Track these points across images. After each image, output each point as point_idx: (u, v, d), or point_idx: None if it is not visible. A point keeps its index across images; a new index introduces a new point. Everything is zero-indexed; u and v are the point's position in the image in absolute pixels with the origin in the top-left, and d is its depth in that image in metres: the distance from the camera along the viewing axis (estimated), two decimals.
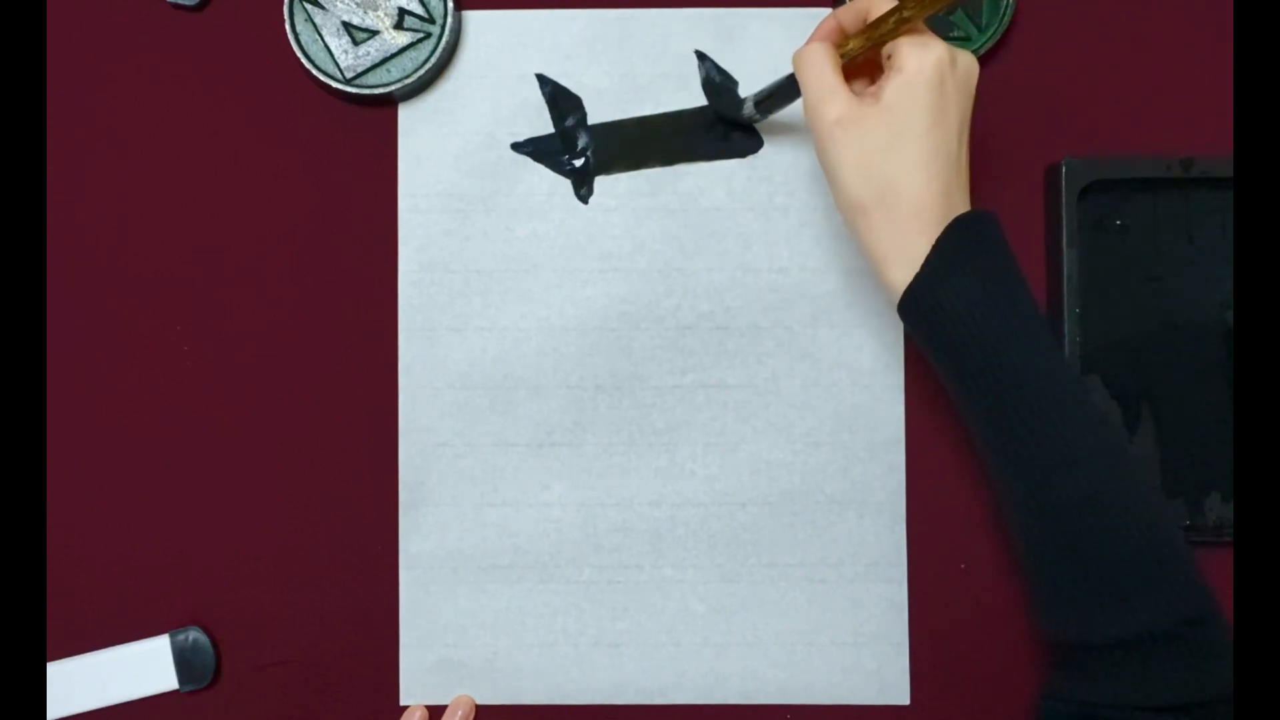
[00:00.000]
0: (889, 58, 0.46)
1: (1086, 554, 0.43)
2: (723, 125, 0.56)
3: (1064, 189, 0.54)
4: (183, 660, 0.55)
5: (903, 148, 0.44)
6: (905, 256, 0.45)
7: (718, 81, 0.55)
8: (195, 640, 0.55)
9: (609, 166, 0.56)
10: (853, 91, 0.46)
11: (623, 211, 0.56)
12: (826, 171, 0.46)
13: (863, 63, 0.48)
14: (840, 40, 0.48)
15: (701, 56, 0.56)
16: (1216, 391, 0.55)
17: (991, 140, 0.56)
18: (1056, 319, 0.54)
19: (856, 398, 0.56)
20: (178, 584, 0.56)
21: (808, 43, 0.48)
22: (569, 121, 0.56)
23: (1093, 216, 0.56)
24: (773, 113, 0.54)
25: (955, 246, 0.44)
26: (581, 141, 0.56)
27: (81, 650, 0.55)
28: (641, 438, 0.56)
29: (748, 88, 0.56)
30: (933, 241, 0.44)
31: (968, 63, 0.46)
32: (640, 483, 0.56)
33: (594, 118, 0.56)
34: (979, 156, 0.56)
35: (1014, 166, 0.56)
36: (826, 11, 0.56)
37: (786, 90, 0.51)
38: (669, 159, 0.56)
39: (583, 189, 0.56)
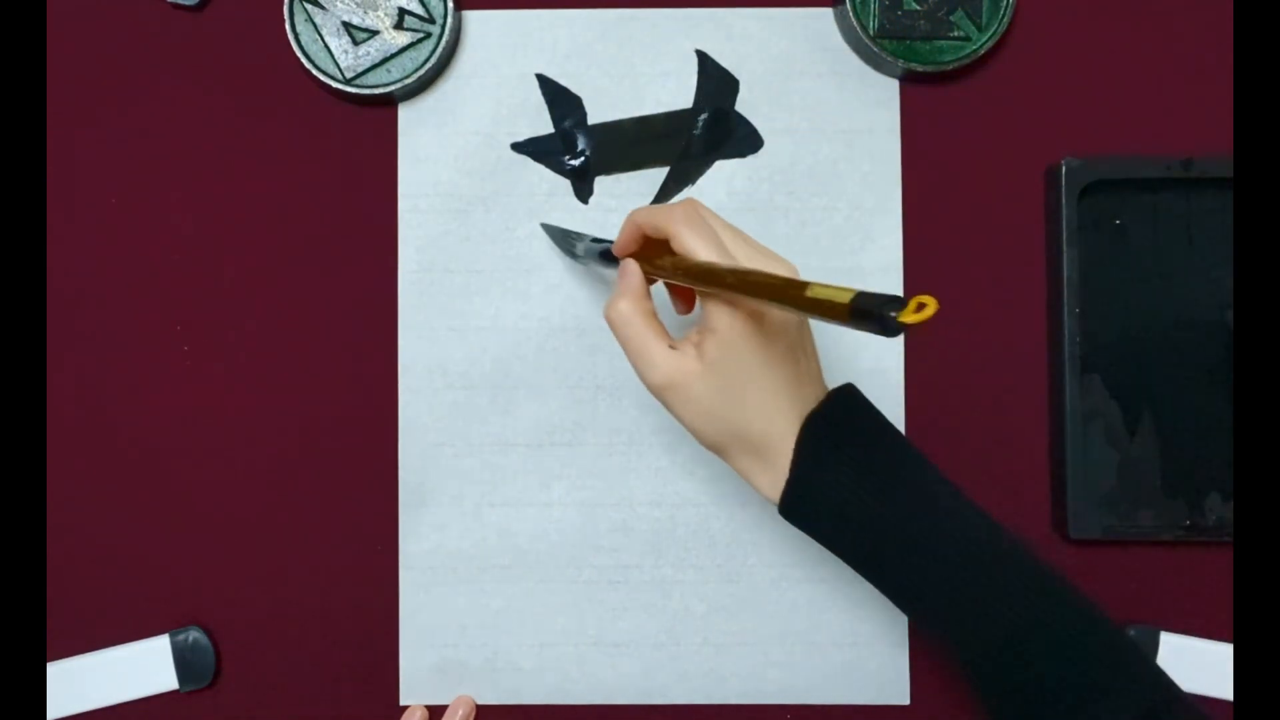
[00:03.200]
0: (702, 306, 0.43)
1: (1026, 686, 0.42)
2: (723, 125, 0.56)
3: (1064, 189, 0.54)
4: (183, 660, 0.55)
5: (737, 399, 0.43)
6: (775, 475, 0.44)
7: (561, 232, 0.54)
8: (195, 640, 0.55)
9: (609, 166, 0.56)
10: (675, 345, 0.43)
11: (623, 211, 0.56)
12: (675, 417, 0.44)
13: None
14: (648, 258, 0.45)
15: (702, 56, 0.56)
16: (1216, 391, 0.55)
17: (991, 140, 0.56)
18: (1056, 319, 0.55)
19: None
20: (178, 584, 0.56)
21: (619, 298, 0.44)
22: (568, 121, 0.56)
23: (1093, 216, 0.56)
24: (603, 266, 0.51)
25: (814, 447, 0.43)
26: (581, 141, 0.56)
27: (81, 650, 0.55)
28: (641, 438, 0.56)
29: (748, 87, 0.56)
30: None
31: None
32: (640, 483, 0.56)
33: (594, 118, 0.56)
34: (979, 156, 0.56)
35: (1014, 166, 0.56)
36: (827, 12, 0.56)
37: (610, 264, 0.49)
38: (669, 159, 0.56)
39: (583, 189, 0.56)
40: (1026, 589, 0.42)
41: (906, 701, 0.56)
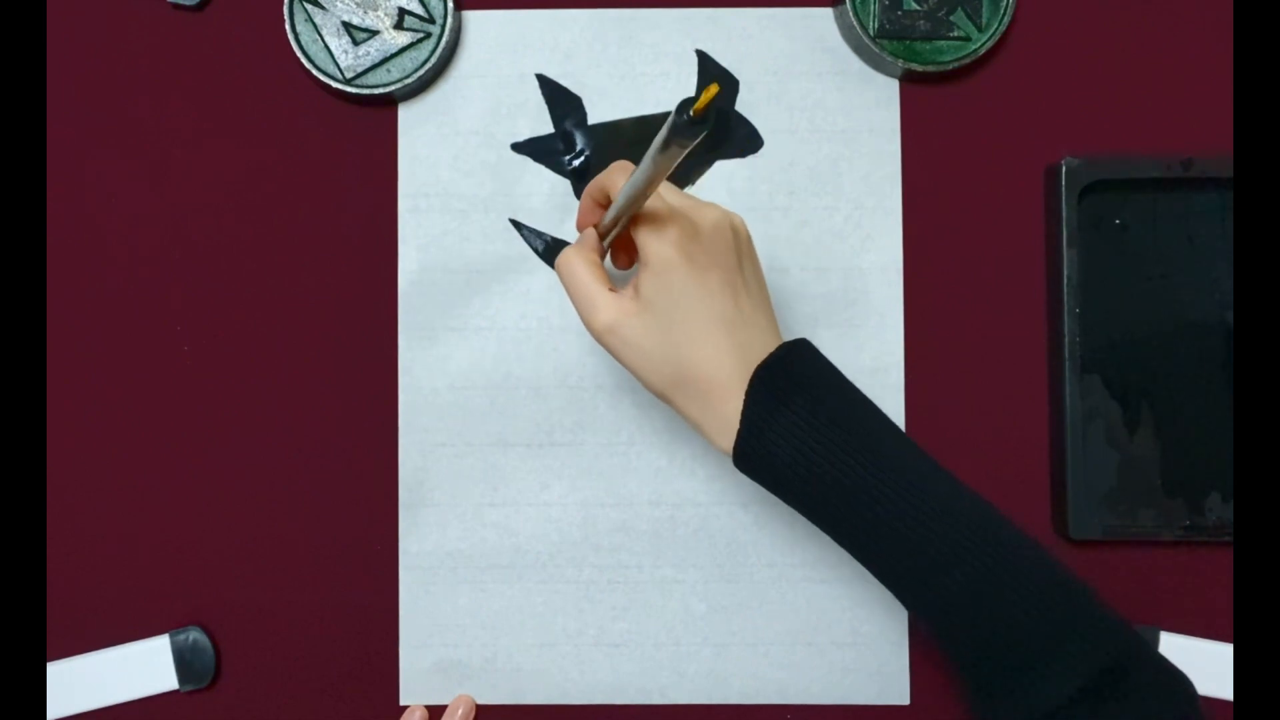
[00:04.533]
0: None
1: (986, 639, 0.42)
2: (723, 125, 0.56)
3: (1064, 189, 0.54)
4: (183, 660, 0.55)
5: (677, 335, 0.43)
6: (723, 423, 0.44)
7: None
8: (195, 640, 0.55)
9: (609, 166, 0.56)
10: (616, 290, 0.45)
11: None
12: (621, 363, 0.45)
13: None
14: (597, 222, 0.47)
15: (702, 56, 0.56)
16: (1216, 391, 0.55)
17: (991, 140, 0.56)
18: (1056, 319, 0.55)
19: None
20: (178, 584, 0.56)
21: (567, 249, 0.46)
22: (568, 121, 0.56)
23: (1093, 216, 0.56)
24: None
25: (765, 395, 0.43)
26: (581, 141, 0.56)
27: (81, 650, 0.55)
28: (641, 438, 0.56)
29: (748, 87, 0.56)
30: (743, 398, 0.43)
31: (714, 220, 0.44)
32: (640, 483, 0.56)
33: (594, 118, 0.56)
34: (979, 156, 0.56)
35: (1014, 166, 0.56)
36: (827, 12, 0.56)
37: None
38: None
39: (582, 189, 0.56)
40: (986, 540, 0.42)
41: (906, 701, 0.56)
